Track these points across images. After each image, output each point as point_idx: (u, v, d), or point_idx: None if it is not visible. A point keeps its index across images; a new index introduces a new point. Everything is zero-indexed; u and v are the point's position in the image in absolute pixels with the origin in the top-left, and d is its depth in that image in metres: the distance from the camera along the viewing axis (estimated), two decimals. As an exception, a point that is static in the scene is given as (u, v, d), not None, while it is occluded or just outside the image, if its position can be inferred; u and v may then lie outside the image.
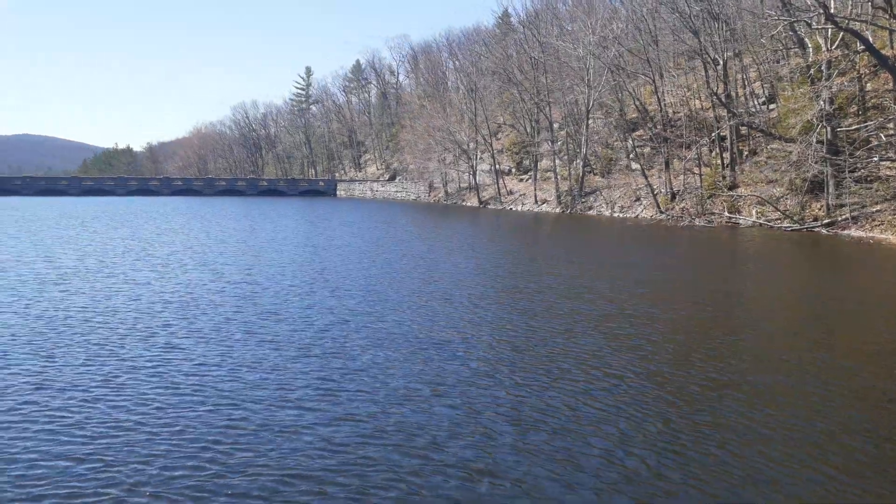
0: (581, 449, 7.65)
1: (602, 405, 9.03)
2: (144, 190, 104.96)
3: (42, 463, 7.32)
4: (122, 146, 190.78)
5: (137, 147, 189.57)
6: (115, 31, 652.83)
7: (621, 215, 48.75)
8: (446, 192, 77.91)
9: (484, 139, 70.07)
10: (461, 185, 76.02)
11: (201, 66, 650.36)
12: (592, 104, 52.97)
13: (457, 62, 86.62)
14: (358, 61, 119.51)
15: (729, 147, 43.22)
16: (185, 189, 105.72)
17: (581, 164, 55.02)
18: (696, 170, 44.31)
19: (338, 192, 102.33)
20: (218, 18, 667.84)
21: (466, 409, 8.98)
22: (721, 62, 42.68)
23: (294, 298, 16.81)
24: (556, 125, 60.50)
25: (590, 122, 54.38)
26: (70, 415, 8.73)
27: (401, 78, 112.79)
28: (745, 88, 46.79)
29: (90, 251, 27.28)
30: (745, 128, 42.71)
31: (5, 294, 17.25)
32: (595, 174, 57.12)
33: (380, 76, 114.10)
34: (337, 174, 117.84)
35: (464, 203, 71.87)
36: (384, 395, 9.55)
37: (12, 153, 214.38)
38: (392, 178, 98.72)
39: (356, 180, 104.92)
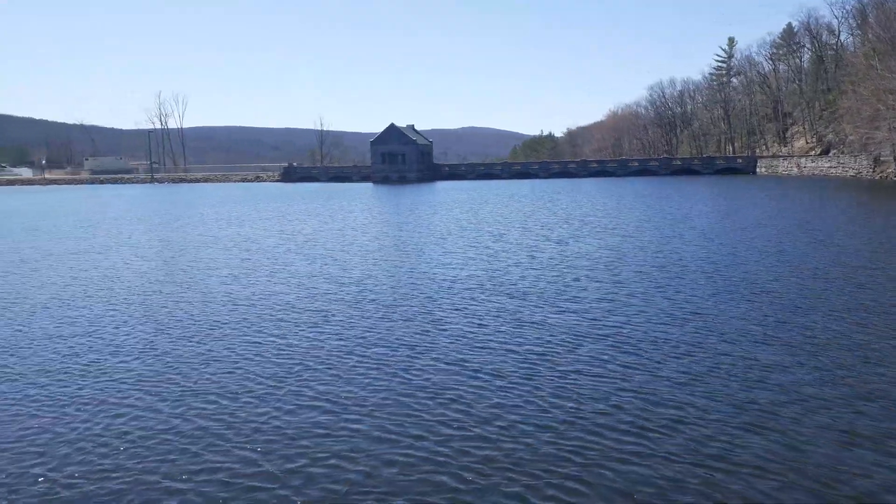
0: None
1: None
2: (563, 172, 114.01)
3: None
4: (545, 133, 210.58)
5: (558, 133, 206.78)
6: (541, 31, 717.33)
7: None
8: (900, 166, 66.42)
9: (961, 100, 57.61)
10: (922, 157, 63.94)
11: (619, 49, 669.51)
12: None
13: (923, 10, 72.37)
14: (790, 24, 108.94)
15: None
16: (600, 171, 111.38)
17: None
18: None
19: (758, 170, 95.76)
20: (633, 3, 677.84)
21: None
22: None
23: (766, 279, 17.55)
24: None
25: None
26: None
27: (842, 37, 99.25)
28: None
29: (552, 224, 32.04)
30: None
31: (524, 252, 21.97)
32: None
33: (815, 38, 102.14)
34: (757, 150, 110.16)
35: (925, 179, 60.50)
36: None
37: (459, 143, 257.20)
38: (825, 152, 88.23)
39: (780, 156, 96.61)
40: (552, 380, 9.49)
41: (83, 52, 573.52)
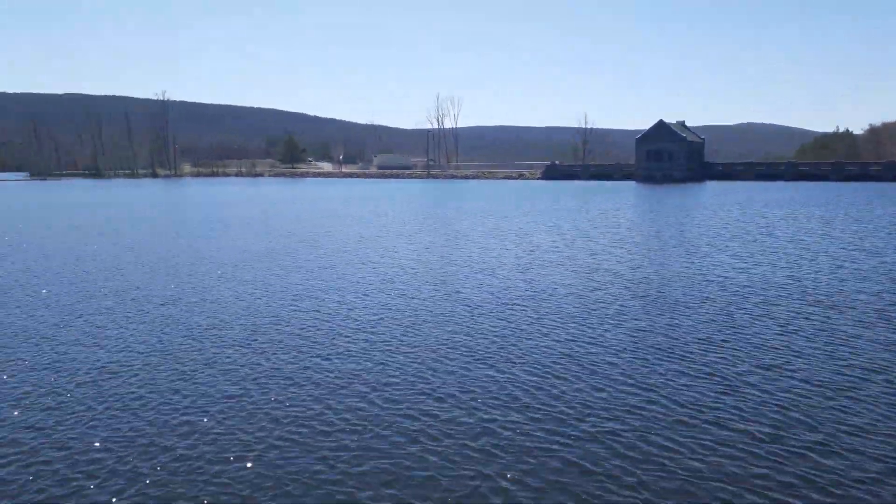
0: None
1: None
2: (862, 175, 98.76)
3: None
4: (840, 129, 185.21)
5: (857, 130, 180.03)
6: (833, 15, 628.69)
7: None
8: None
9: None
10: None
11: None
12: None
13: None
14: None
15: None
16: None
17: None
18: None
19: None
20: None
21: None
22: None
23: None
24: None
25: None
26: None
27: None
28: None
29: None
30: None
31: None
32: None
33: None
34: None
35: None
36: None
37: (735, 141, 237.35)
38: None
39: None
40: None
41: (374, 58, 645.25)
